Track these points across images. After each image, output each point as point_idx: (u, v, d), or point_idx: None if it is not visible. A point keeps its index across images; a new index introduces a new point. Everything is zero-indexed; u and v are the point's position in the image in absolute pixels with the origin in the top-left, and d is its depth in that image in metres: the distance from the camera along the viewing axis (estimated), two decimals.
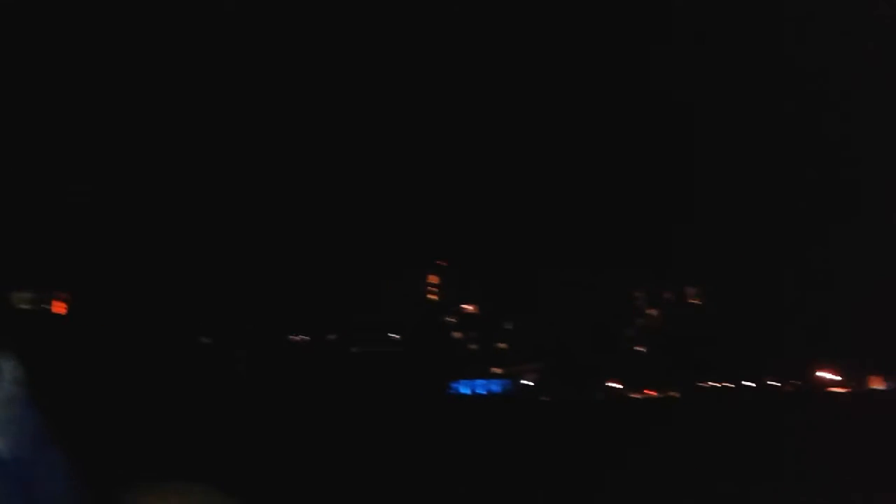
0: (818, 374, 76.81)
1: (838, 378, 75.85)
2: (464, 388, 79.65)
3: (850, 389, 74.38)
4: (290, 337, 76.56)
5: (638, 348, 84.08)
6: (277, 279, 77.25)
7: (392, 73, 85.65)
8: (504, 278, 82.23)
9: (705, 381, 79.61)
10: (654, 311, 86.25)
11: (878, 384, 73.69)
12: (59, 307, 71.97)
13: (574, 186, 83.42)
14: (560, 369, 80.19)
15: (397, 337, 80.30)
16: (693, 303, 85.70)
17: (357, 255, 79.92)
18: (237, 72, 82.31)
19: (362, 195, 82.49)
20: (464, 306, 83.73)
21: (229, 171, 79.92)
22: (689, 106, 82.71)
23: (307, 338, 77.08)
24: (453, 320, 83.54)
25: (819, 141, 79.99)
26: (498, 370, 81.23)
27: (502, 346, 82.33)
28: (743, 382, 78.61)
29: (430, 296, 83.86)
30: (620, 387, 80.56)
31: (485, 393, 79.56)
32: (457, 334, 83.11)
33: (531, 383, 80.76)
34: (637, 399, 78.88)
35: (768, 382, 77.33)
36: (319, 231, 79.45)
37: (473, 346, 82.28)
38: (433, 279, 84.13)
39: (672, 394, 79.56)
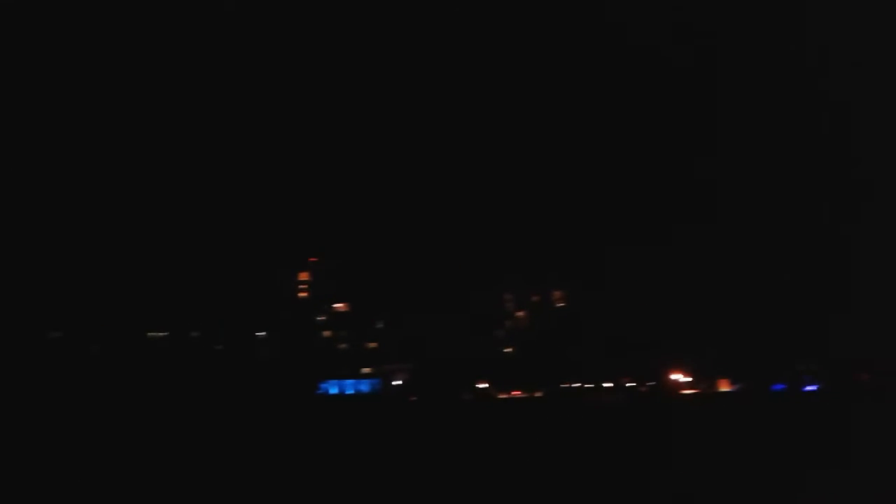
0: (672, 376, 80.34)
1: (689, 380, 79.61)
2: (332, 388, 79.08)
3: (700, 391, 78.30)
4: (149, 333, 74.05)
5: (506, 349, 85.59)
6: (137, 273, 74.70)
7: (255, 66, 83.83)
8: (376, 277, 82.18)
9: (569, 381, 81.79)
10: (522, 314, 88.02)
11: (725, 386, 78.09)
12: None
13: (445, 187, 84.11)
14: (430, 369, 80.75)
15: (264, 335, 79.00)
16: (559, 306, 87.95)
17: (224, 249, 78.20)
18: None
19: (231, 191, 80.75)
20: (335, 305, 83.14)
21: (86, 161, 76.80)
22: (550, 104, 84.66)
23: (166, 334, 74.74)
24: (323, 318, 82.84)
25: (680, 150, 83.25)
26: (367, 370, 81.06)
27: (372, 345, 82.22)
28: (603, 384, 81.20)
29: (300, 293, 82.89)
30: (488, 387, 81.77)
31: (353, 393, 79.24)
32: (326, 333, 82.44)
33: (400, 383, 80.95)
34: (504, 399, 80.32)
35: (626, 384, 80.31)
36: (184, 224, 77.32)
37: (343, 346, 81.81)
38: (304, 276, 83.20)
39: (537, 394, 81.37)
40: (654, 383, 79.88)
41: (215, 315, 77.58)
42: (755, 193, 79.97)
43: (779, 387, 75.60)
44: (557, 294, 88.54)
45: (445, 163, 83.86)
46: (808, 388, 75.02)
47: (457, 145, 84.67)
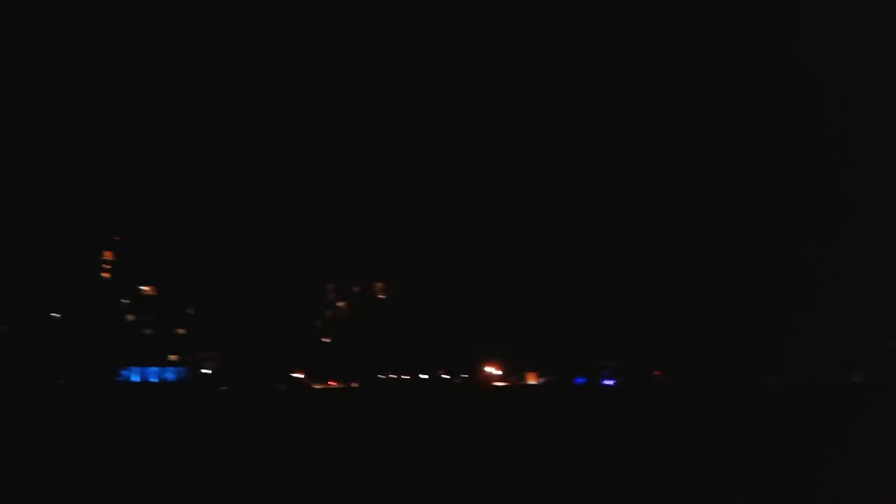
0: (485, 369, 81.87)
1: (500, 373, 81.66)
2: (134, 376, 75.08)
3: (510, 383, 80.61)
4: None
5: (324, 339, 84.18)
6: None
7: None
8: (187, 258, 78.52)
9: (385, 372, 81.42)
10: (342, 304, 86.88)
11: (533, 379, 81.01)
12: None
13: (267, 168, 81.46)
14: (242, 358, 78.09)
15: (58, 316, 73.84)
16: (380, 297, 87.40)
17: (16, 224, 72.49)
18: None
19: (26, 163, 75.01)
20: (141, 287, 78.87)
21: None
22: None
23: None
24: (127, 301, 78.43)
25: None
26: (174, 357, 77.45)
27: (181, 331, 78.64)
28: (420, 375, 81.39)
29: (102, 274, 78.08)
30: (303, 377, 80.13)
31: (157, 381, 75.57)
32: (130, 317, 78.09)
33: (210, 372, 77.91)
34: (320, 389, 78.92)
35: (441, 375, 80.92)
36: None
37: (148, 331, 77.75)
38: (107, 255, 78.40)
39: (353, 384, 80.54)
40: (467, 376, 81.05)
41: (3, 295, 71.84)
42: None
43: (580, 380, 79.33)
44: (379, 286, 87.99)
45: (269, 145, 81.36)
46: (606, 382, 79.32)
47: (273, 128, 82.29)
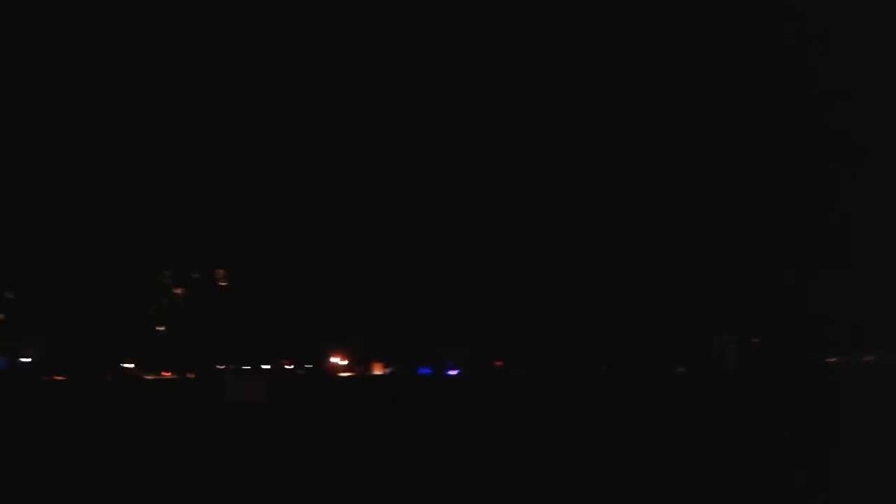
0: (331, 359, 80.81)
1: (346, 363, 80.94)
2: None
3: (356, 374, 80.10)
4: None
5: (158, 328, 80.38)
6: None
7: None
8: (5, 240, 72.88)
9: (224, 363, 78.77)
10: (179, 291, 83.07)
11: (378, 370, 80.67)
12: None
13: (95, 154, 76.70)
14: (67, 346, 73.51)
15: None
16: (221, 284, 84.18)
17: None
18: None
19: None
20: None
21: None
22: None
23: None
24: None
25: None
26: None
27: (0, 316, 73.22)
28: (262, 366, 79.20)
29: None
30: (133, 367, 76.41)
31: None
32: None
33: (30, 360, 73.03)
34: (152, 380, 75.68)
35: (285, 366, 79.10)
36: None
37: None
38: None
39: (189, 375, 77.54)
40: (311, 366, 79.62)
41: None
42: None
43: (425, 371, 79.84)
44: (220, 273, 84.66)
45: (83, 124, 76.59)
46: (451, 372, 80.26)
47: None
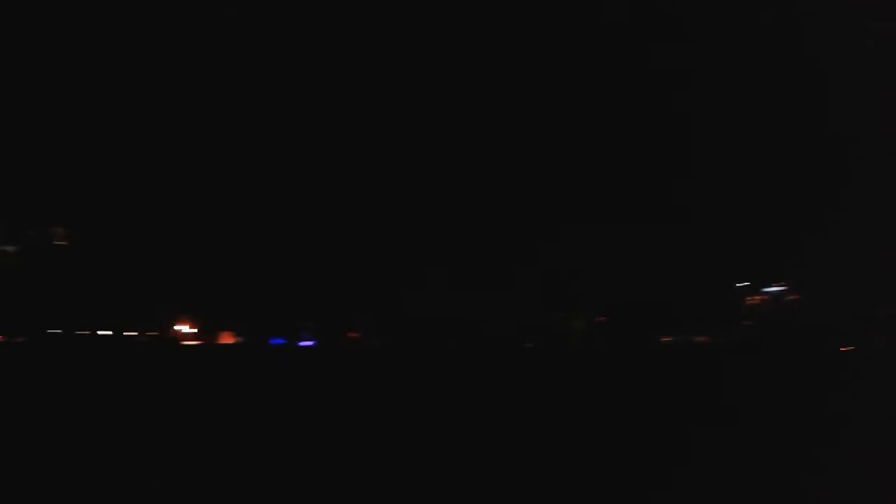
0: (176, 327, 77.26)
1: (194, 331, 77.65)
2: None
3: (203, 342, 77.05)
4: None
5: None
6: None
7: None
8: None
9: (58, 327, 73.79)
10: (11, 249, 77.19)
11: (228, 339, 77.90)
12: None
13: None
14: None
15: None
16: (59, 244, 78.66)
17: None
18: None
19: None
20: None
21: None
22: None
23: None
24: None
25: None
26: None
27: None
28: (99, 331, 74.69)
29: None
30: None
31: None
32: None
33: None
34: None
35: (125, 332, 74.85)
36: None
37: None
38: None
39: (20, 339, 72.18)
40: (156, 333, 75.70)
41: None
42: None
43: (278, 341, 77.85)
44: (58, 230, 79.13)
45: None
46: (305, 343, 78.65)
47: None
